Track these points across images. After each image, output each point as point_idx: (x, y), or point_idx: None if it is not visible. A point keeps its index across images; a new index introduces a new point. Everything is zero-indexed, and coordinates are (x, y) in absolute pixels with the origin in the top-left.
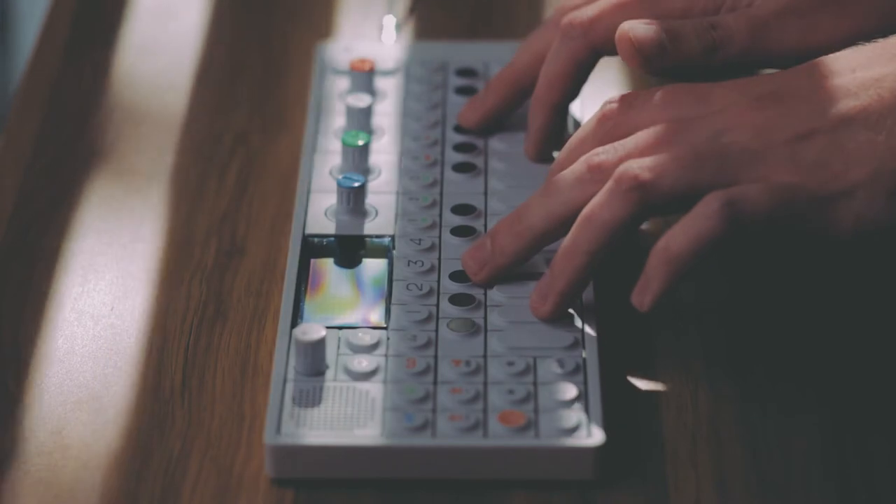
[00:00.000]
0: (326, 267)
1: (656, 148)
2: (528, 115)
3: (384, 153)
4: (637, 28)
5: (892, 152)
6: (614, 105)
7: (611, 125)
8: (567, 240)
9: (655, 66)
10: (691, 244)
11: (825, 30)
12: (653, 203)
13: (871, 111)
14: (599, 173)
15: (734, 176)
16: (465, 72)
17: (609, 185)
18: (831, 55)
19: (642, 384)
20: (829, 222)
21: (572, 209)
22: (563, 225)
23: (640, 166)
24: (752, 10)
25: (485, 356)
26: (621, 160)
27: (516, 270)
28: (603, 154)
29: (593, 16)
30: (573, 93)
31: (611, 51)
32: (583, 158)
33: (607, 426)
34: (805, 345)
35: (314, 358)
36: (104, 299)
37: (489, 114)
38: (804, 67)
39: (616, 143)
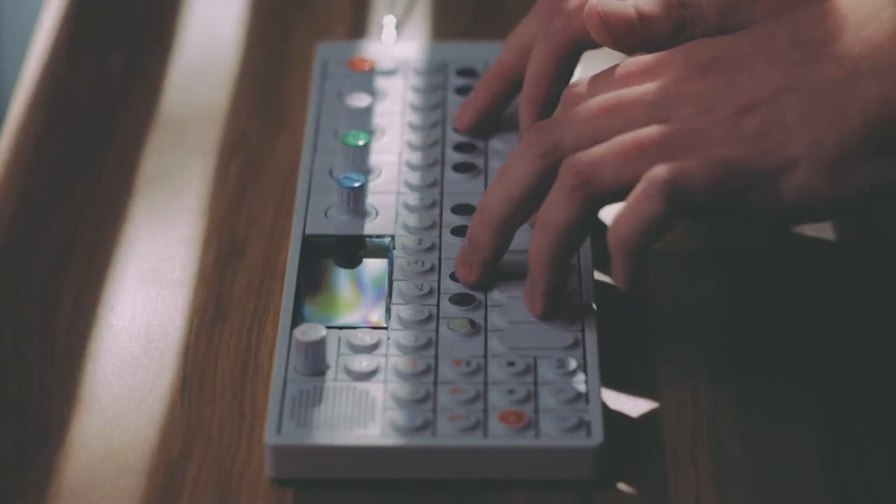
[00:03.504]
0: (327, 267)
1: (594, 121)
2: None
3: (384, 153)
4: (606, 4)
5: (828, 123)
6: (575, 88)
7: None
8: (530, 243)
9: (625, 43)
10: (637, 225)
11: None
12: (599, 197)
13: (811, 80)
14: (540, 146)
15: (676, 157)
16: (465, 72)
17: (556, 184)
18: (776, 20)
19: (642, 384)
20: (771, 196)
21: (524, 188)
22: (521, 205)
23: (580, 161)
24: None
25: (485, 356)
26: (563, 133)
27: (515, 268)
28: (545, 126)
29: (573, 9)
30: (559, 89)
31: (594, 43)
32: (526, 135)
33: (607, 426)
34: (805, 345)
35: (314, 358)
36: (104, 299)
37: (481, 113)
38: (748, 32)
39: (557, 115)
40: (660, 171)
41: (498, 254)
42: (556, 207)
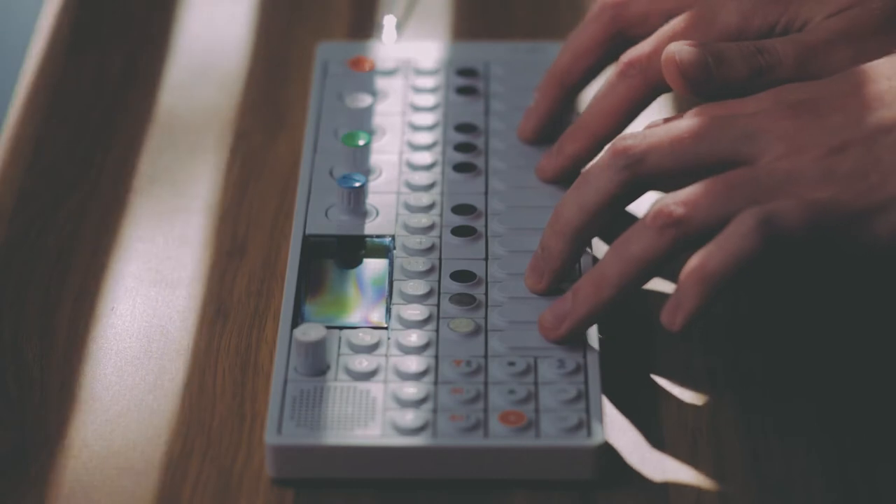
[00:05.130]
0: (327, 267)
1: (681, 143)
2: (564, 138)
3: (384, 153)
4: (682, 51)
5: None
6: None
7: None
8: (595, 268)
9: (700, 89)
10: (728, 263)
11: (873, 58)
12: (687, 238)
13: None
14: (625, 158)
15: (768, 198)
16: (465, 72)
17: (645, 220)
18: (866, 64)
19: (642, 384)
20: (867, 236)
21: (603, 197)
22: (597, 216)
23: (674, 202)
24: (801, 35)
25: (485, 356)
26: (650, 147)
27: (516, 268)
28: (630, 139)
29: (650, 51)
30: (623, 127)
31: (668, 88)
32: (609, 145)
33: (607, 426)
34: (806, 345)
35: (315, 358)
36: (104, 299)
37: (543, 119)
38: (838, 76)
39: (645, 130)
40: (753, 210)
41: (570, 263)
42: (640, 242)
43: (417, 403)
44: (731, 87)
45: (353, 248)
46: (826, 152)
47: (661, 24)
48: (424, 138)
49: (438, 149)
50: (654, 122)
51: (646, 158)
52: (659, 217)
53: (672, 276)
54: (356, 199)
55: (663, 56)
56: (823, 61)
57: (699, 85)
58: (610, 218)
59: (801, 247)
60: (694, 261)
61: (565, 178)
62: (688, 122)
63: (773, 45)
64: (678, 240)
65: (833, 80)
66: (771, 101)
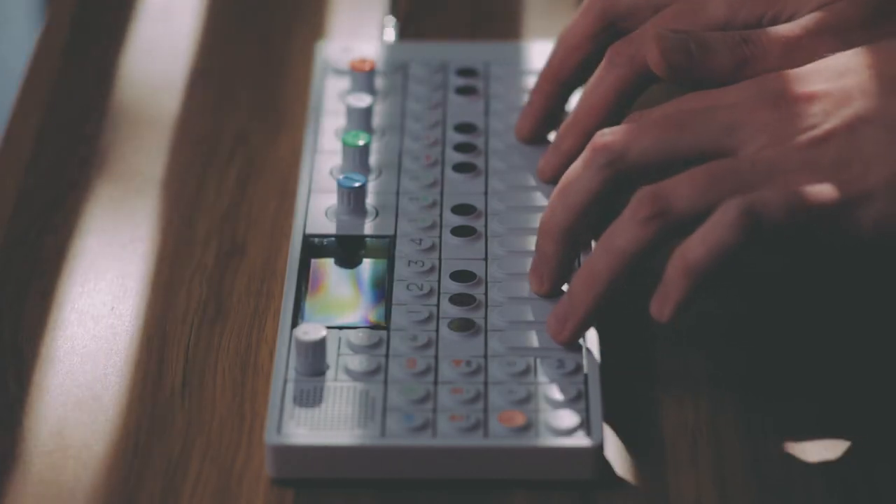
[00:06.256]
0: (327, 267)
1: (662, 135)
2: (559, 136)
3: (384, 153)
4: (666, 35)
5: None
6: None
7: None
8: (585, 266)
9: (683, 76)
10: (710, 253)
11: None
12: (671, 228)
13: (887, 112)
14: (605, 155)
15: (751, 188)
16: (465, 72)
17: (627, 212)
18: (849, 52)
19: (642, 384)
20: (850, 225)
21: (587, 197)
22: (584, 215)
23: (654, 193)
24: (787, 27)
25: (485, 356)
26: (628, 142)
27: (515, 269)
28: (610, 135)
29: (641, 38)
30: (613, 120)
31: (658, 77)
32: (591, 143)
33: (607, 426)
34: (806, 345)
35: (314, 358)
36: (104, 299)
37: (539, 117)
38: (820, 65)
39: (624, 125)
40: (736, 200)
41: (566, 262)
42: (625, 235)
43: (417, 403)
44: (716, 78)
45: (353, 248)
46: (808, 142)
47: (650, 16)
48: (424, 138)
49: (438, 149)
50: (633, 116)
51: (626, 154)
52: (641, 208)
53: None
54: (356, 199)
55: (647, 39)
56: (809, 53)
57: (681, 71)
58: (598, 214)
59: (785, 236)
60: (678, 252)
61: None
62: (668, 115)
63: (759, 36)
64: (661, 230)
65: (813, 68)
66: (751, 91)
